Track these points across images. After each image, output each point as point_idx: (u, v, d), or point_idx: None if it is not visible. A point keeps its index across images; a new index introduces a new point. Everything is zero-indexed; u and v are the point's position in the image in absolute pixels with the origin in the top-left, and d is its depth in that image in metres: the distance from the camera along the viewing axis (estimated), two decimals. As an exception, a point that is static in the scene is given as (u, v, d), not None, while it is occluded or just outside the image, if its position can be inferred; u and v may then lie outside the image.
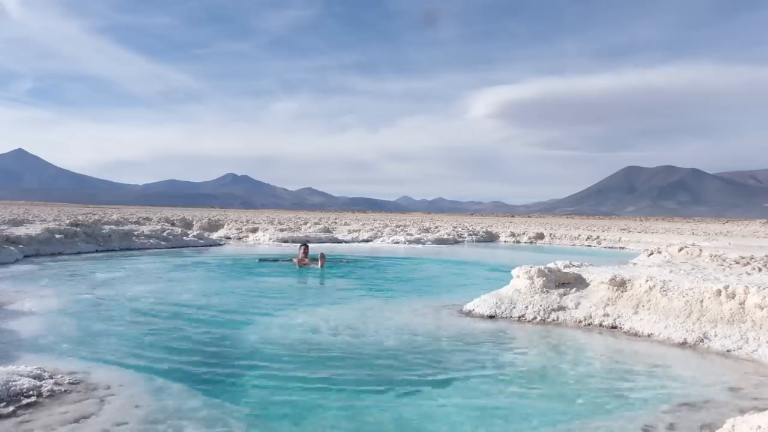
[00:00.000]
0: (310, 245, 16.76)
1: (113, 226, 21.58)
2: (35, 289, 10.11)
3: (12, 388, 4.49)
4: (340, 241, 27.16)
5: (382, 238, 28.60)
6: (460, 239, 31.10)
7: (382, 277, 14.15)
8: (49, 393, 4.61)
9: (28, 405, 4.37)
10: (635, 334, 7.46)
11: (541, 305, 8.42)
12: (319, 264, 16.19)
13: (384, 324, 7.91)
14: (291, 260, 16.55)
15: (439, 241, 29.14)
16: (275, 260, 17.20)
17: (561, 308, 8.38)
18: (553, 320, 8.18)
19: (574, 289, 8.80)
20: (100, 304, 8.99)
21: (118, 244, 19.74)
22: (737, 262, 10.75)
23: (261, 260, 17.33)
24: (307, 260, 15.99)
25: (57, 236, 17.96)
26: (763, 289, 7.06)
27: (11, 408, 4.26)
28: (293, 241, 24.84)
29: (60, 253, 17.06)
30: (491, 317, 8.38)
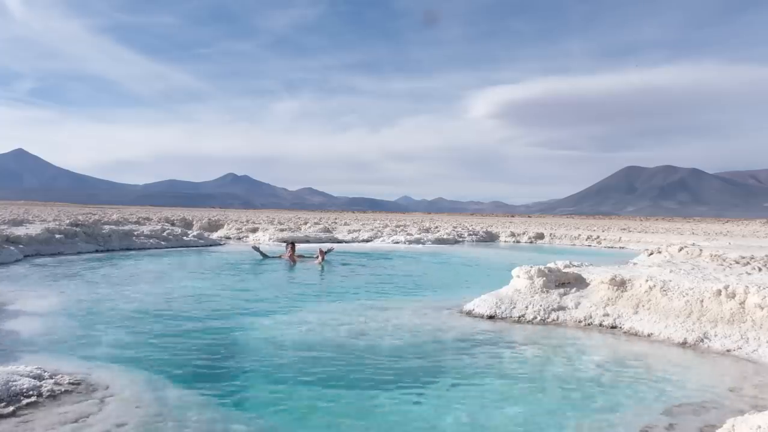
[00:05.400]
0: (311, 245, 16.98)
1: (113, 226, 21.58)
2: (35, 289, 10.11)
3: (12, 388, 4.49)
4: (340, 241, 27.15)
5: (382, 238, 28.60)
6: (460, 239, 31.10)
7: (382, 277, 14.15)
8: (49, 393, 4.61)
9: (28, 405, 4.37)
10: (635, 334, 7.46)
11: (541, 305, 8.42)
12: (319, 260, 16.39)
13: (384, 324, 7.91)
14: (280, 257, 17.11)
15: (439, 241, 29.14)
16: (266, 256, 17.78)
17: (561, 308, 8.38)
18: (553, 320, 8.18)
19: (574, 289, 8.80)
20: (100, 304, 8.99)
21: (118, 244, 19.74)
22: (737, 262, 10.75)
23: (254, 248, 18.67)
24: (296, 257, 16.63)
25: (57, 236, 17.96)
26: (763, 289, 7.06)
27: (11, 408, 4.26)
28: (293, 242, 24.87)
29: (60, 253, 17.05)
30: (491, 317, 8.38)
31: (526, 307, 8.45)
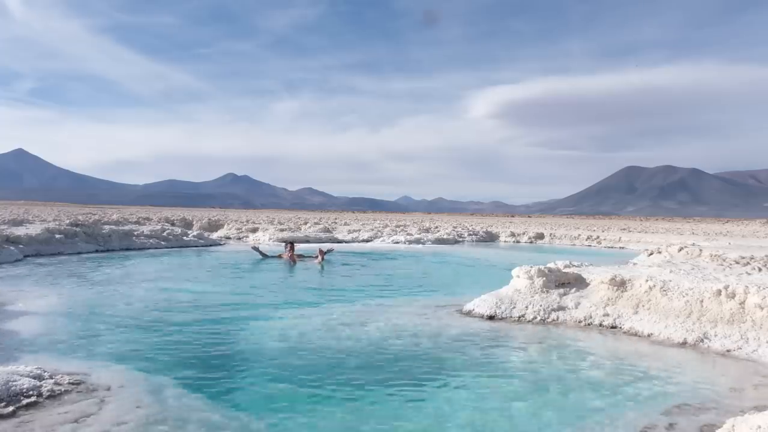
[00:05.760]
0: (311, 245, 17.10)
1: (113, 226, 21.58)
2: (35, 289, 10.11)
3: (12, 388, 4.49)
4: (340, 241, 27.16)
5: (382, 238, 28.60)
6: (460, 239, 31.10)
7: (382, 277, 14.15)
8: (49, 393, 4.61)
9: (28, 405, 4.37)
10: (635, 334, 7.46)
11: (541, 305, 8.42)
12: (318, 259, 16.46)
13: (384, 324, 7.91)
14: (279, 256, 17.17)
15: (439, 241, 29.14)
16: (266, 256, 17.81)
17: (561, 308, 8.38)
18: (553, 320, 8.18)
19: (574, 289, 8.80)
20: (100, 304, 8.99)
21: (118, 244, 19.74)
22: (737, 262, 10.75)
23: (254, 248, 18.75)
24: (295, 257, 16.77)
25: (57, 236, 17.96)
26: (763, 289, 7.06)
27: (11, 408, 4.26)
28: (293, 241, 24.90)
29: (60, 253, 17.05)
30: (491, 317, 8.38)
31: (526, 307, 8.45)
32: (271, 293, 10.91)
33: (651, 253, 14.88)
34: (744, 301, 7.10)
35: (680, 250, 13.86)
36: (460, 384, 5.44)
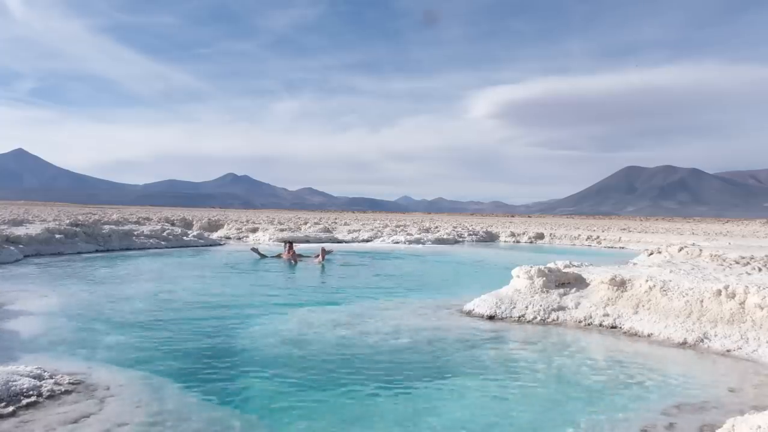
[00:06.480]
0: (311, 245, 17.18)
1: (113, 226, 21.57)
2: (35, 289, 10.11)
3: (12, 388, 4.49)
4: (340, 241, 27.16)
5: (382, 238, 28.60)
6: (460, 239, 31.10)
7: (382, 277, 14.14)
8: (49, 393, 4.61)
9: (28, 405, 4.37)
10: (635, 334, 7.46)
11: (541, 305, 8.42)
12: (319, 259, 16.49)
13: (384, 324, 7.91)
14: (279, 256, 17.24)
15: (439, 241, 29.14)
16: (264, 256, 17.84)
17: (561, 308, 8.38)
18: (553, 320, 8.18)
19: (574, 289, 8.79)
20: (100, 304, 8.99)
21: (118, 244, 19.75)
22: (737, 262, 10.75)
23: (253, 249, 18.81)
24: (295, 257, 16.86)
25: (57, 236, 17.96)
26: (763, 289, 7.06)
27: (11, 408, 4.26)
28: (291, 241, 24.92)
29: (60, 253, 17.06)
30: (491, 317, 8.37)
31: (526, 307, 8.45)
32: (272, 293, 10.91)
33: (651, 253, 14.88)
34: (744, 301, 7.10)
35: (680, 250, 13.85)
36: (460, 384, 5.44)
